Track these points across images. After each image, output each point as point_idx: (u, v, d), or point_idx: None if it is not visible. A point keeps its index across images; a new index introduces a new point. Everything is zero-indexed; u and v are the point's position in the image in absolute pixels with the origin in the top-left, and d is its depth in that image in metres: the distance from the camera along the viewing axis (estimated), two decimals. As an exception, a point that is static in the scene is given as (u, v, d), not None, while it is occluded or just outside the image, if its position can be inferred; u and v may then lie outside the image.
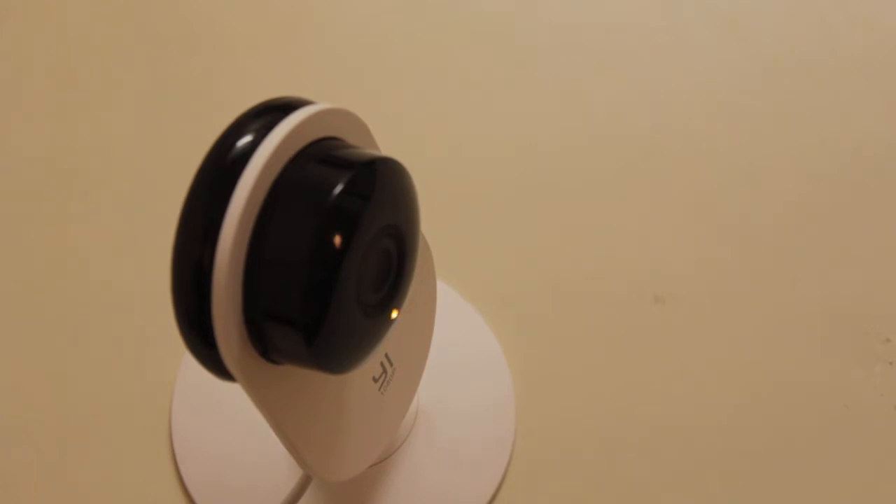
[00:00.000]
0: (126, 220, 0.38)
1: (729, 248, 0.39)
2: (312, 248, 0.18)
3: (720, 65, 0.44)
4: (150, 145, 0.40)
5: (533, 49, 0.44)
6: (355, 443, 0.25)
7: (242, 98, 0.21)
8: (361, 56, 0.44)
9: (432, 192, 0.29)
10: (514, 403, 0.34)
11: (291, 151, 0.19)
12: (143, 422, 0.33)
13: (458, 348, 0.35)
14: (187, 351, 0.19)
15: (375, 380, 0.25)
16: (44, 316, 0.36)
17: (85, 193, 0.39)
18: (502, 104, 0.43)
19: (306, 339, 0.19)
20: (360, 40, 0.44)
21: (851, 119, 0.43)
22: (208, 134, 0.19)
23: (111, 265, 0.37)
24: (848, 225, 0.39)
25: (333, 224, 0.18)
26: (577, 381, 0.35)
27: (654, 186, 0.40)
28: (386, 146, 0.23)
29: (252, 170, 0.18)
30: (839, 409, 0.35)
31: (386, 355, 0.26)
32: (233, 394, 0.22)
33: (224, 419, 0.33)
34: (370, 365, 0.25)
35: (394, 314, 0.22)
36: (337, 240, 0.18)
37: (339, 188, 0.18)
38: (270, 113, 0.19)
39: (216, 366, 0.19)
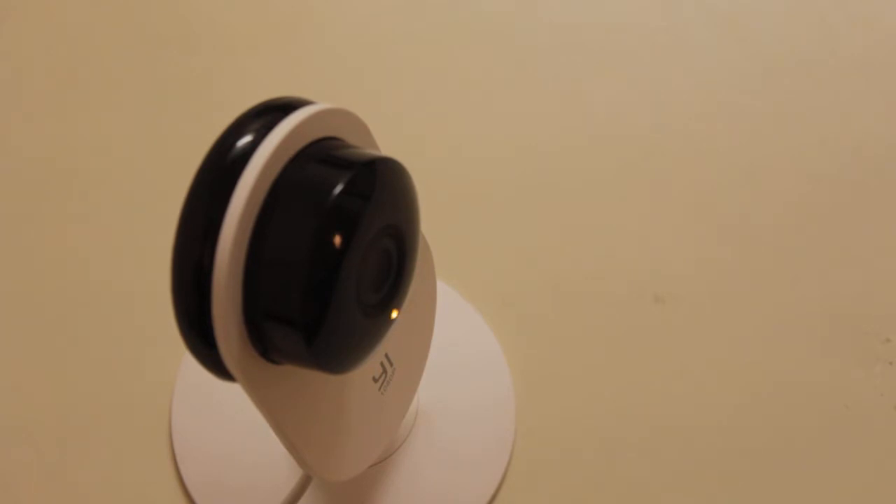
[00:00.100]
0: (126, 220, 0.38)
1: (729, 248, 0.39)
2: (312, 248, 0.18)
3: (720, 65, 0.44)
4: (150, 145, 0.40)
5: (533, 49, 0.44)
6: (355, 443, 0.25)
7: (242, 98, 0.21)
8: (361, 56, 0.44)
9: (432, 192, 0.29)
10: (514, 403, 0.34)
11: (291, 151, 0.19)
12: (143, 422, 0.33)
13: (458, 348, 0.35)
14: (187, 351, 0.19)
15: (375, 380, 0.25)
16: (44, 316, 0.36)
17: (85, 193, 0.39)
18: (502, 104, 0.43)
19: (306, 339, 0.19)
20: (360, 40, 0.44)
21: (851, 119, 0.43)
22: (208, 134, 0.19)
23: (111, 265, 0.37)
24: (848, 225, 0.39)
25: (333, 224, 0.18)
26: (577, 381, 0.35)
27: (654, 186, 0.40)
28: (386, 146, 0.23)
29: (252, 170, 0.18)
30: (839, 409, 0.35)
31: (386, 355, 0.26)
32: (233, 394, 0.22)
33: (224, 419, 0.33)
34: (370, 365, 0.25)
35: (394, 314, 0.22)
36: (337, 240, 0.18)
37: (339, 188, 0.18)
38: (270, 113, 0.19)
39: (216, 366, 0.19)
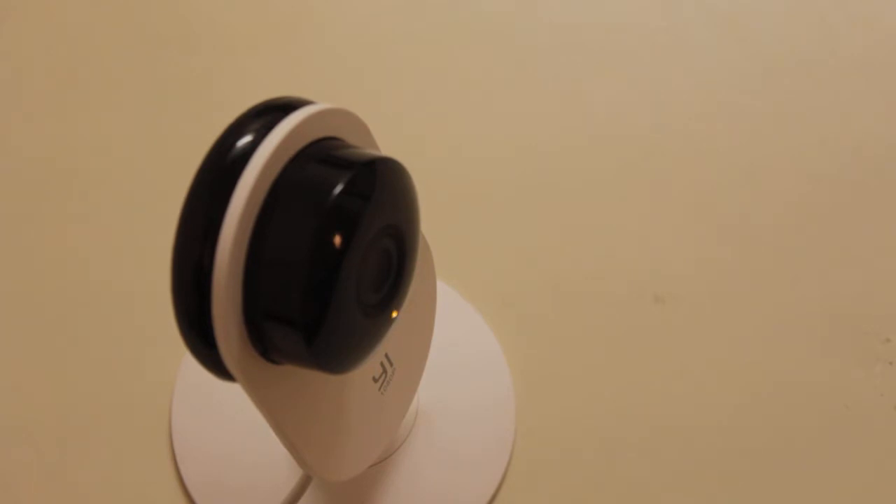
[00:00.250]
0: (126, 220, 0.38)
1: (729, 248, 0.39)
2: (312, 248, 0.18)
3: (720, 65, 0.44)
4: (150, 145, 0.40)
5: (533, 49, 0.45)
6: (355, 443, 0.25)
7: (242, 98, 0.21)
8: (361, 56, 0.44)
9: (432, 192, 0.29)
10: (514, 403, 0.34)
11: (291, 151, 0.19)
12: (143, 422, 0.33)
13: (458, 348, 0.35)
14: (187, 351, 0.19)
15: (375, 380, 0.25)
16: (44, 316, 0.36)
17: (85, 193, 0.39)
18: (502, 104, 0.43)
19: (306, 339, 0.19)
20: (360, 40, 0.44)
21: (851, 119, 0.43)
22: (208, 134, 0.19)
23: (111, 265, 0.37)
24: (848, 225, 0.39)
25: (333, 224, 0.18)
26: (577, 381, 0.35)
27: (654, 186, 0.40)
28: (386, 146, 0.23)
29: (252, 170, 0.18)
30: (839, 409, 0.35)
31: (386, 355, 0.26)
32: (233, 394, 0.22)
33: (224, 419, 0.33)
34: (370, 365, 0.25)
35: (394, 314, 0.22)
36: (337, 240, 0.18)
37: (339, 188, 0.18)
38: (270, 113, 0.19)
39: (216, 366, 0.19)
